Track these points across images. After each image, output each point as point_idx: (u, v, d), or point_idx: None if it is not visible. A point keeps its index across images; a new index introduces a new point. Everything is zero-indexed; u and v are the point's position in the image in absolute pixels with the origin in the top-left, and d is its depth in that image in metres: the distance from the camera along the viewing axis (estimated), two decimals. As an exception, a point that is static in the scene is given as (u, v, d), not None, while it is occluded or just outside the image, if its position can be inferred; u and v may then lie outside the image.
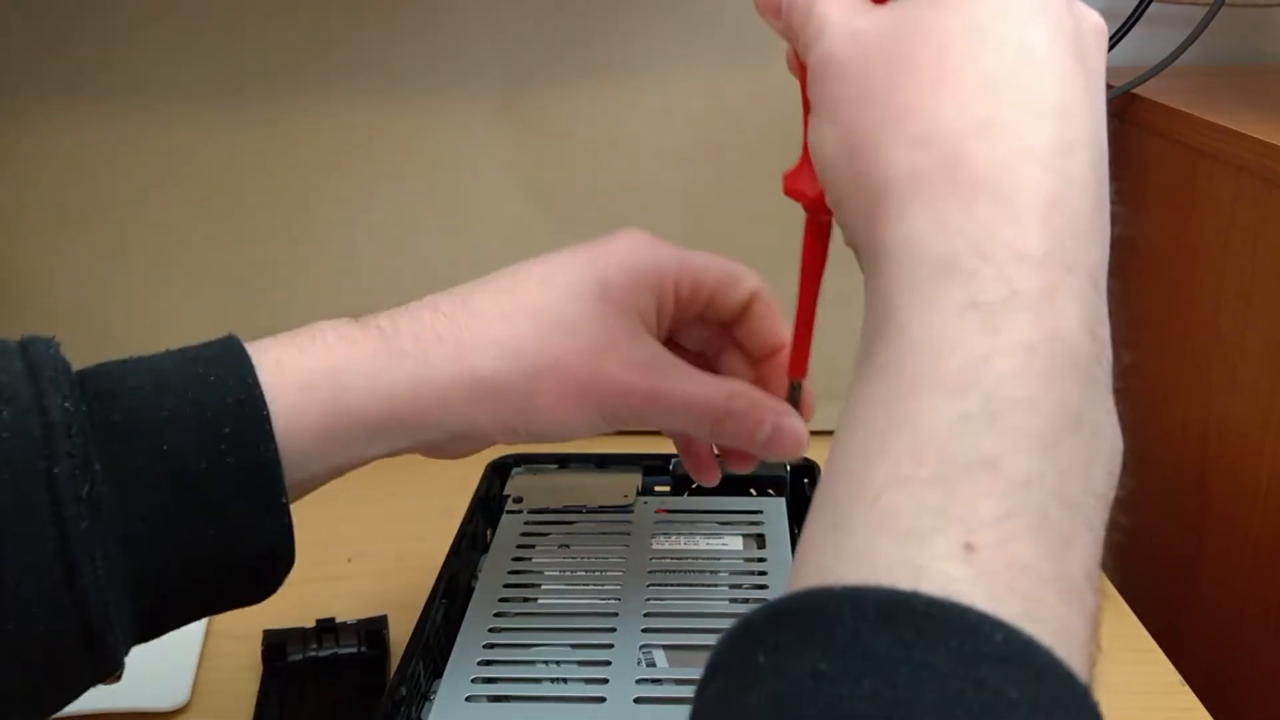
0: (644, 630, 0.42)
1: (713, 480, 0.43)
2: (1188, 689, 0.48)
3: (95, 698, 0.45)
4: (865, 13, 0.29)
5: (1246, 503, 0.59)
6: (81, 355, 0.74)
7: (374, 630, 0.48)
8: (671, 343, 0.41)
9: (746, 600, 0.44)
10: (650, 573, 0.45)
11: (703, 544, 0.48)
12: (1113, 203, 0.27)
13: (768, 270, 0.69)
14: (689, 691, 0.38)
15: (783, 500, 0.52)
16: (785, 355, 0.40)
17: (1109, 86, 0.69)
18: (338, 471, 0.36)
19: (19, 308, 0.69)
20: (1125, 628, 0.52)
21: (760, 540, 0.48)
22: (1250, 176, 0.58)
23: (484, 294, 0.37)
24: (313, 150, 0.66)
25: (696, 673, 0.39)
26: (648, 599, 0.44)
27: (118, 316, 0.68)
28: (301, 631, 0.48)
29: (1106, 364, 0.26)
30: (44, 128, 0.66)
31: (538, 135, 0.66)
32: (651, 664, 0.40)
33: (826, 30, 0.29)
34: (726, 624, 0.41)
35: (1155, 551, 0.68)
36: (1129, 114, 0.70)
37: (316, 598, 0.52)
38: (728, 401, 0.37)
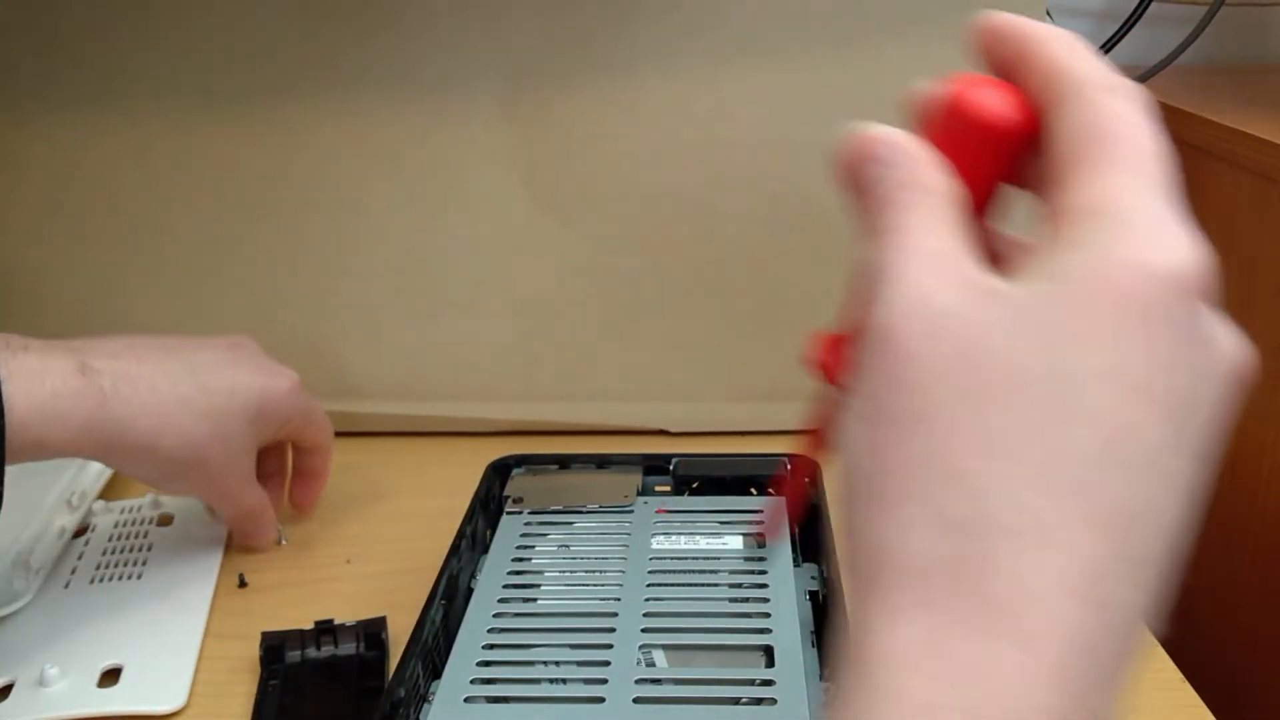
0: (643, 630, 0.42)
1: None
2: (1188, 686, 0.48)
3: (92, 702, 0.46)
4: (958, 287, 0.22)
5: (1246, 501, 0.59)
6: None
7: (373, 632, 0.48)
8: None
9: (746, 600, 0.44)
10: (650, 573, 0.45)
11: (703, 543, 0.48)
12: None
13: (767, 269, 0.69)
14: (688, 692, 0.38)
15: (784, 499, 0.51)
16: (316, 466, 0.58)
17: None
18: None
19: (19, 308, 0.69)
20: (1126, 627, 0.52)
21: (760, 539, 0.48)
22: (1250, 175, 0.57)
23: (191, 384, 0.49)
24: (314, 152, 0.66)
25: (696, 673, 0.40)
26: (647, 599, 0.44)
27: (118, 317, 0.68)
28: (300, 633, 0.48)
29: None
30: (45, 130, 0.66)
31: (539, 135, 0.66)
32: (651, 664, 0.40)
33: (899, 286, 0.22)
34: (726, 623, 0.42)
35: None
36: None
37: (315, 599, 0.52)
38: (259, 508, 0.55)
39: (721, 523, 0.49)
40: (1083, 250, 0.21)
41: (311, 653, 0.47)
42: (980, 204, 0.25)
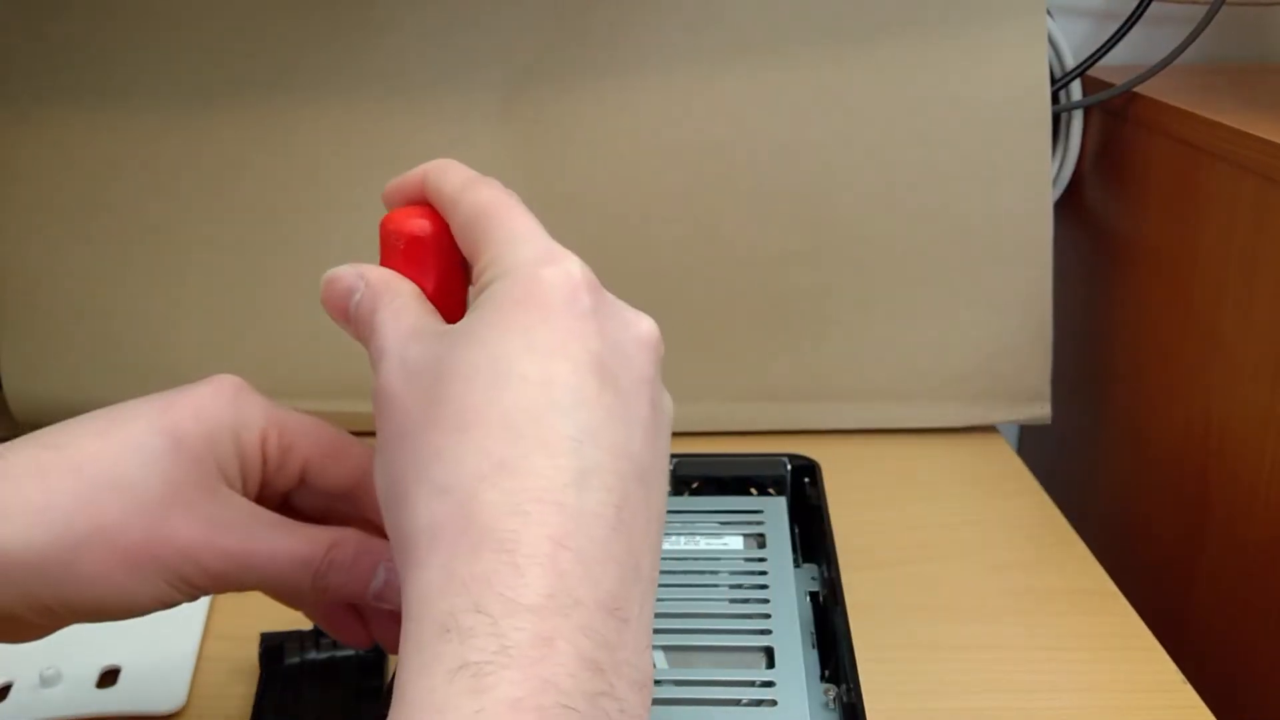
0: None
1: (366, 643, 0.38)
2: (1189, 686, 0.48)
3: (90, 702, 0.45)
4: (419, 339, 0.29)
5: (1246, 501, 0.59)
6: (82, 355, 0.75)
7: (372, 632, 0.48)
8: (287, 506, 0.37)
9: (746, 600, 0.44)
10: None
11: (703, 544, 0.48)
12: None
13: (767, 270, 0.69)
14: (689, 693, 0.38)
15: (783, 500, 0.51)
16: None
17: (1109, 85, 0.69)
18: None
19: (19, 308, 0.69)
20: (1126, 625, 0.52)
21: (761, 540, 0.48)
22: (1251, 175, 0.57)
23: (27, 448, 0.32)
24: (312, 150, 0.66)
25: (696, 674, 0.40)
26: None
27: (118, 316, 0.68)
28: (299, 634, 0.47)
29: (624, 688, 0.25)
30: (44, 129, 0.66)
31: (538, 135, 0.66)
32: (651, 665, 0.40)
33: (383, 358, 0.29)
34: (726, 624, 0.42)
35: (1155, 550, 0.68)
36: (1129, 113, 0.70)
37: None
38: (328, 552, 0.34)
39: (721, 523, 0.49)
40: (495, 283, 0.29)
41: (311, 654, 0.47)
42: (447, 292, 0.33)
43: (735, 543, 0.48)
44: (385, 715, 0.24)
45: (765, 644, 0.41)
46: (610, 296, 0.30)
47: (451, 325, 0.29)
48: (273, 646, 0.47)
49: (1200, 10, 0.67)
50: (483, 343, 0.28)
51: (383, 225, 0.34)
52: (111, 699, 0.46)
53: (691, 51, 0.64)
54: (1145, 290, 0.69)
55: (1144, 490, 0.70)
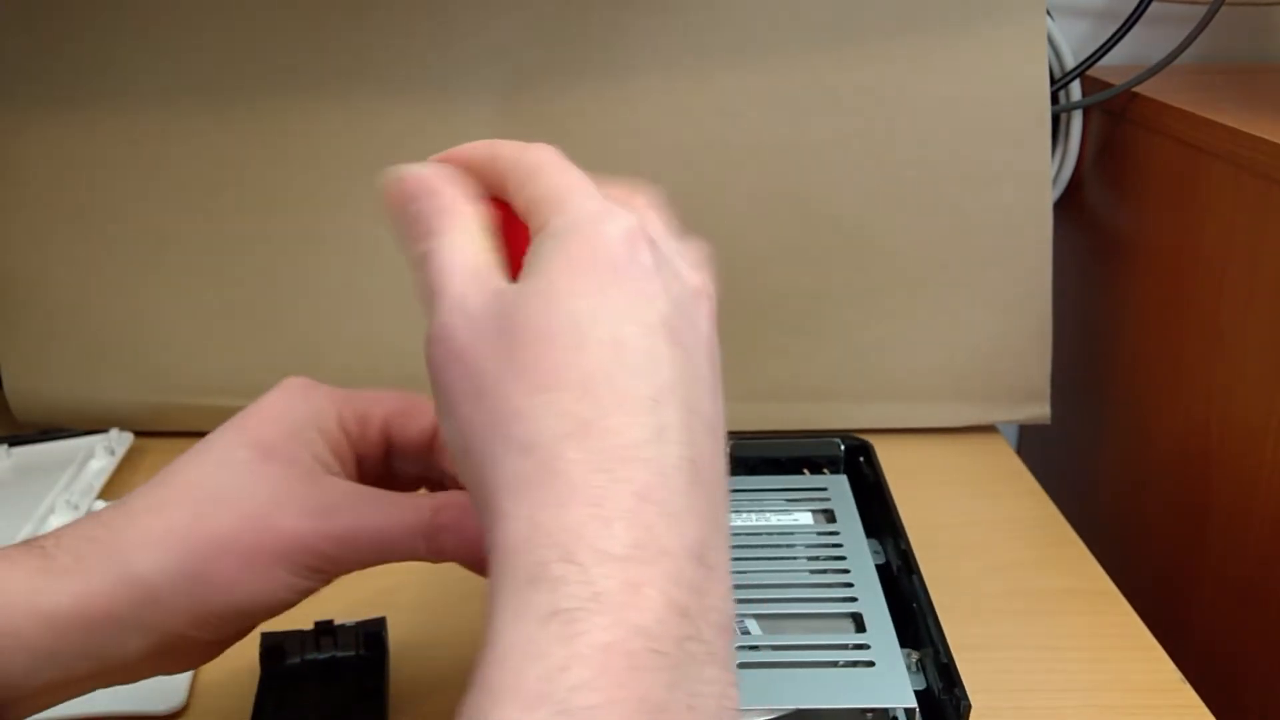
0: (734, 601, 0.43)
1: None
2: (1188, 686, 0.48)
3: (89, 702, 0.45)
4: (480, 285, 0.29)
5: (1247, 501, 0.59)
6: (81, 355, 0.75)
7: (372, 633, 0.48)
8: (392, 481, 0.40)
9: (824, 571, 0.46)
10: (730, 548, 0.47)
11: (774, 520, 0.50)
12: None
13: (766, 270, 0.69)
14: (785, 657, 0.41)
15: (844, 477, 0.53)
16: None
17: (1109, 85, 0.69)
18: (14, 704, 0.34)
19: (19, 308, 0.69)
20: (1126, 625, 0.52)
21: (829, 515, 0.50)
22: (1251, 175, 0.57)
23: (141, 492, 0.36)
24: (312, 151, 0.66)
25: (789, 639, 0.41)
26: (732, 572, 0.45)
27: (117, 317, 0.68)
28: (300, 634, 0.47)
29: (710, 633, 0.26)
30: (42, 128, 0.66)
31: (536, 135, 0.65)
32: (746, 632, 0.42)
33: (440, 298, 0.29)
34: (812, 593, 0.44)
35: (1155, 549, 0.68)
36: (1129, 113, 0.70)
37: (315, 599, 0.52)
38: (433, 516, 0.36)
39: (788, 500, 0.51)
40: (561, 236, 0.29)
41: (311, 653, 0.47)
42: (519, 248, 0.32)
43: (805, 518, 0.50)
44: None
45: (852, 610, 0.43)
46: (665, 242, 0.31)
47: (515, 282, 0.29)
48: (273, 646, 0.47)
49: (1200, 10, 0.67)
50: (557, 304, 0.28)
51: None
52: (112, 698, 0.46)
53: (691, 51, 0.64)
54: (1145, 290, 0.69)
55: (1144, 490, 0.70)
